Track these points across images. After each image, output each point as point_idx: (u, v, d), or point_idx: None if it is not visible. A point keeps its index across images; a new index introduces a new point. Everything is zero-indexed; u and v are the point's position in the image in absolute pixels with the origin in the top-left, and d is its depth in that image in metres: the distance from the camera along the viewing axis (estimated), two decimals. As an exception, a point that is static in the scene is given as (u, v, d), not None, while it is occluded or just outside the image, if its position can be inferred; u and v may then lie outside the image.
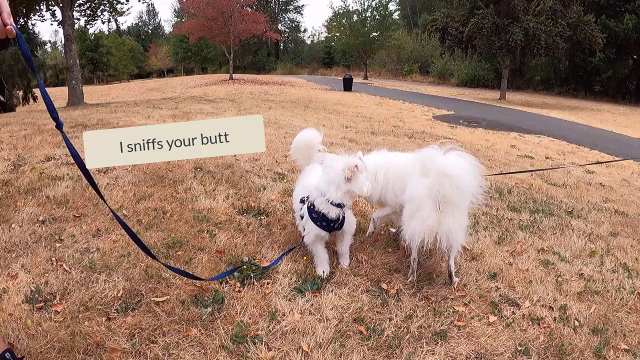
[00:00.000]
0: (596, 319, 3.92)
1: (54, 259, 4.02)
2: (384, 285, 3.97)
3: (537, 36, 32.61)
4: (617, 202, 8.58)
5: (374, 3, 57.63)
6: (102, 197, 3.04)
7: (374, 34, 57.82)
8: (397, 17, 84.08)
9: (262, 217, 5.27)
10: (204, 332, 3.12)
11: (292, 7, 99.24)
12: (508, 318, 3.74)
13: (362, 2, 58.05)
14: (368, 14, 57.68)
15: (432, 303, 3.80)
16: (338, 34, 61.49)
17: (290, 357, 3.03)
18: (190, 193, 5.90)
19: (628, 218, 7.53)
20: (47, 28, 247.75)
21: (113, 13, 26.33)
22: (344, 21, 58.46)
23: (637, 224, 7.25)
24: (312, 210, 3.96)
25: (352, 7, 58.87)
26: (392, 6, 77.66)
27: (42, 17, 26.07)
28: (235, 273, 3.85)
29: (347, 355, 3.08)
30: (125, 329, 3.14)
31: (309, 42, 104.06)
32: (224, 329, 3.17)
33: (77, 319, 3.23)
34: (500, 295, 4.11)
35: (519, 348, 3.37)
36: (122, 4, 25.74)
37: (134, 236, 3.10)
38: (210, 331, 3.15)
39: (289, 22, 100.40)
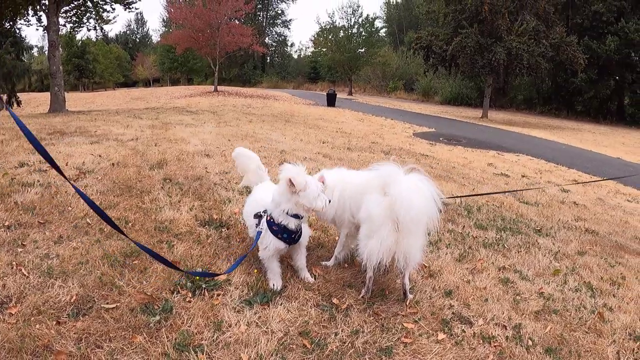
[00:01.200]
0: (551, 338, 3.93)
1: (14, 263, 4.08)
2: (335, 300, 4.01)
3: (519, 56, 32.98)
4: (589, 221, 8.62)
5: (360, 19, 57.92)
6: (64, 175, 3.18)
7: (359, 50, 57.96)
8: (384, 34, 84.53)
9: (223, 230, 5.33)
10: (148, 340, 3.17)
11: (280, 21, 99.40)
12: (458, 336, 3.75)
13: (348, 18, 58.30)
14: (354, 30, 57.90)
15: (381, 319, 3.83)
16: (324, 49, 61.42)
17: (230, 367, 3.10)
18: (155, 204, 5.96)
19: (598, 237, 7.56)
20: (34, 33, 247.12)
21: (99, 21, 26.30)
22: (330, 37, 58.53)
23: (607, 242, 7.28)
24: (272, 223, 4.00)
25: (339, 23, 59.16)
26: (379, 23, 78.06)
27: (28, 21, 26.07)
28: (188, 283, 3.91)
29: (287, 368, 3.15)
30: (73, 333, 3.19)
31: (295, 56, 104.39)
32: (168, 337, 3.22)
33: (28, 321, 3.29)
34: (453, 312, 4.12)
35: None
36: (108, 12, 25.73)
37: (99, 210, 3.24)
38: (155, 339, 3.20)
39: (276, 35, 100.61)
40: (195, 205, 6.03)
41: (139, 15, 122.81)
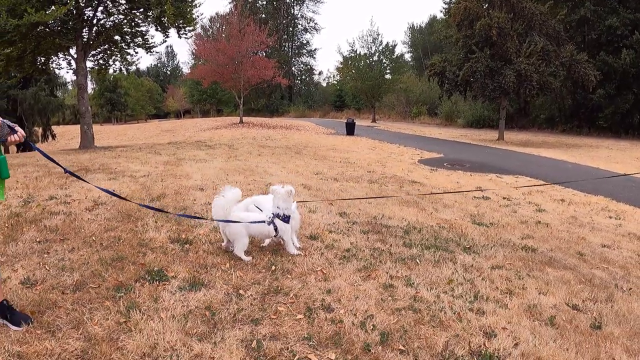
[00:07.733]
0: (394, 327, 4.65)
1: (41, 262, 6.29)
2: (241, 291, 5.50)
3: (529, 77, 33.64)
4: (536, 239, 8.84)
5: (380, 47, 59.24)
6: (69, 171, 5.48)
7: (387, 76, 59.10)
8: (409, 59, 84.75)
9: (187, 246, 7.17)
10: (114, 303, 5.22)
11: (306, 50, 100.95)
12: (314, 319, 4.84)
13: (369, 46, 59.60)
14: (375, 58, 59.15)
15: (264, 304, 5.23)
16: (348, 77, 62.65)
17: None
18: (144, 227, 7.94)
19: (534, 253, 7.75)
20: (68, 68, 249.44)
21: (124, 63, 28.39)
22: (351, 65, 59.80)
23: (538, 258, 7.51)
24: (285, 217, 6.60)
25: (360, 52, 60.43)
26: (404, 48, 77.62)
27: (59, 65, 28.07)
28: (148, 277, 5.96)
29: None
30: (71, 299, 5.29)
31: (324, 84, 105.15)
32: (125, 304, 5.25)
33: (46, 292, 5.43)
34: (322, 303, 5.16)
35: (306, 336, 4.50)
36: (132, 55, 27.85)
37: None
38: (118, 304, 5.24)
39: (302, 65, 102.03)
40: (173, 229, 7.89)
41: (169, 48, 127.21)
